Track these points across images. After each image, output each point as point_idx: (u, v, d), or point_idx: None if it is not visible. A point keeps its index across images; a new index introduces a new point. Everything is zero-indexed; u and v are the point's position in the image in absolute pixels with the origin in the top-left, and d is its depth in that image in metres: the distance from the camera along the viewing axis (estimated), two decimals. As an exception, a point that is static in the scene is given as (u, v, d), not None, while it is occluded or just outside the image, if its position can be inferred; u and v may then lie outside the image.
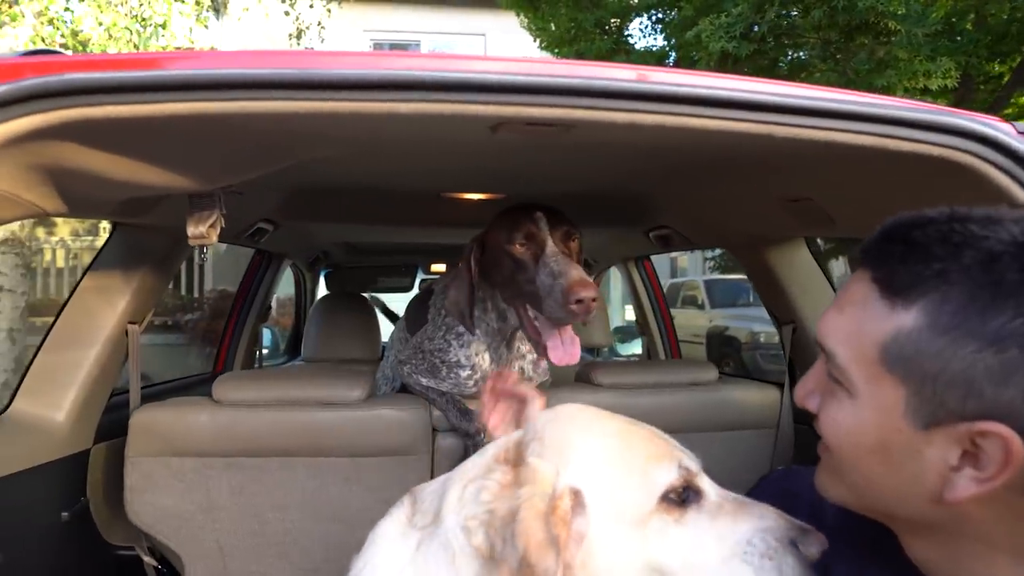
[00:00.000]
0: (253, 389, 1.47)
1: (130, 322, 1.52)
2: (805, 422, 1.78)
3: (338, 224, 2.33)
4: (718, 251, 13.16)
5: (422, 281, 3.95)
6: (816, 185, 1.24)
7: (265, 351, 3.65)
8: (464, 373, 1.58)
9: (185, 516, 1.47)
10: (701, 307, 10.43)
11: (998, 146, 0.78)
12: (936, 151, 0.79)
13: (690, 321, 10.16)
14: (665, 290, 3.09)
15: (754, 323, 8.61)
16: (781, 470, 0.99)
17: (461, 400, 1.56)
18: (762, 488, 0.95)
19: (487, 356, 1.59)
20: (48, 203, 0.88)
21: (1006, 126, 0.82)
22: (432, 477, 1.56)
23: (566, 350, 1.35)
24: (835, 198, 1.23)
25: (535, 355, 1.63)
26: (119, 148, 0.80)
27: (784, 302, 1.75)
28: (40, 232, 8.69)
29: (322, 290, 3.83)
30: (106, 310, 1.47)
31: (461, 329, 1.57)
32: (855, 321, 0.63)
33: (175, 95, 0.67)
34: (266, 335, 3.77)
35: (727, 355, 8.89)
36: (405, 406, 1.52)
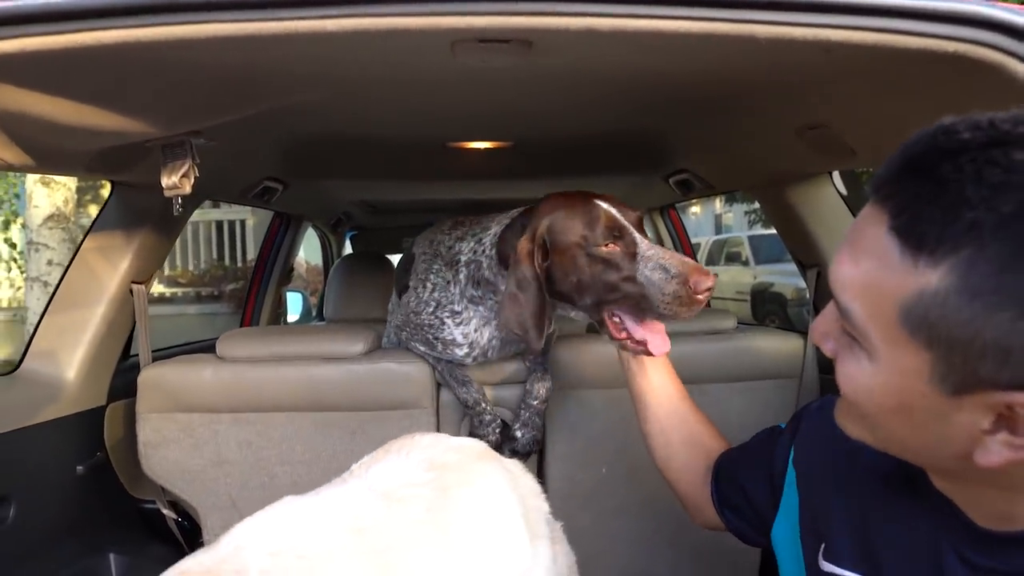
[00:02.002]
0: (255, 345, 1.47)
1: (135, 281, 1.53)
2: (830, 372, 1.68)
3: (347, 180, 2.30)
4: (758, 204, 12.78)
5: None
6: (831, 110, 1.13)
7: (296, 316, 3.70)
8: (461, 351, 1.45)
9: (197, 470, 1.49)
10: (745, 264, 10.17)
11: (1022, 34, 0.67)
12: (951, 47, 0.69)
13: (735, 279, 9.93)
14: (708, 247, 2.98)
15: (800, 279, 8.28)
16: (824, 399, 0.91)
17: (459, 368, 1.50)
18: (806, 416, 0.90)
19: (487, 332, 1.45)
20: (8, 153, 0.86)
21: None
22: (438, 431, 1.55)
23: (662, 338, 1.16)
24: (852, 123, 1.13)
25: None
26: (54, 88, 0.77)
27: (808, 245, 1.65)
28: (91, 208, 9.01)
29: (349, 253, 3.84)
30: (109, 270, 1.48)
31: (457, 308, 1.43)
32: (872, 276, 0.54)
33: (83, 23, 0.63)
34: (298, 300, 3.82)
35: (772, 312, 8.67)
36: (407, 360, 1.49)
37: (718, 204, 18.23)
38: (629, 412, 1.56)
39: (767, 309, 8.84)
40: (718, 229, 17.56)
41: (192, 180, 1.05)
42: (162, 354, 1.71)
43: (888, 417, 0.58)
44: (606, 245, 1.17)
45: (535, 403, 1.46)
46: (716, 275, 1.13)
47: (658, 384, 1.12)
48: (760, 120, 1.34)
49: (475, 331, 1.45)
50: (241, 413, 1.47)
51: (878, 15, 0.68)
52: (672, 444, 1.08)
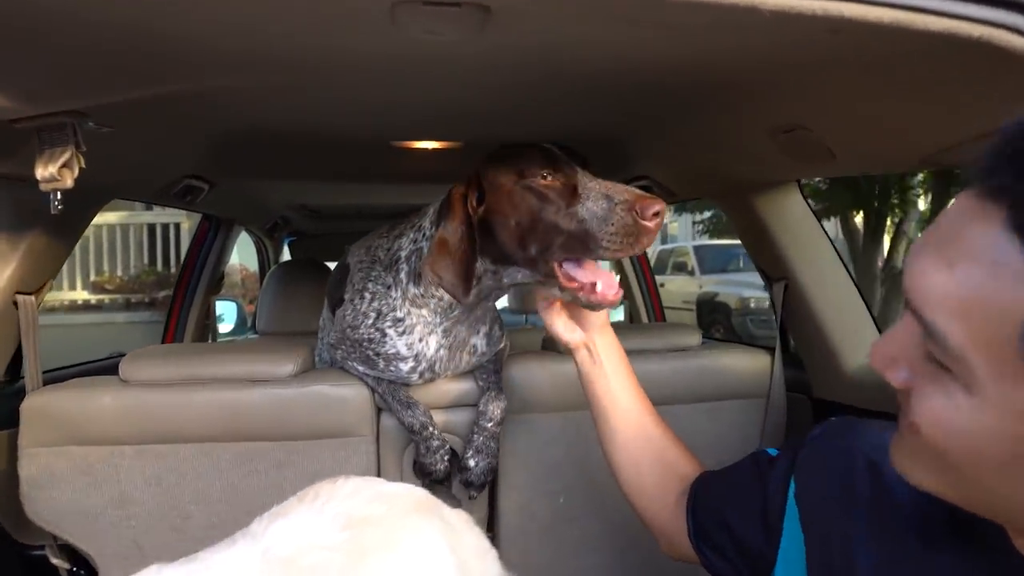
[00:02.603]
0: (165, 366, 1.28)
1: (20, 292, 1.31)
2: (800, 391, 1.61)
3: (282, 182, 2.11)
4: (707, 214, 13.02)
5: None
6: (811, 110, 1.04)
7: (229, 327, 3.45)
8: (406, 366, 1.30)
9: (95, 512, 1.29)
10: (691, 273, 10.32)
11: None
12: (976, 31, 0.59)
13: (680, 288, 10.06)
14: (655, 257, 2.92)
15: (744, 288, 8.51)
16: (827, 424, 0.79)
17: (403, 389, 1.34)
18: (809, 444, 0.77)
19: (434, 341, 1.30)
20: None
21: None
22: (378, 461, 1.39)
23: (612, 282, 1.06)
24: (835, 123, 1.04)
25: (487, 326, 1.41)
26: None
27: (775, 256, 1.56)
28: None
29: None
30: (-16, 279, 1.27)
31: (399, 314, 1.28)
32: (979, 288, 0.42)
33: None
34: (232, 309, 3.57)
35: (717, 321, 8.80)
36: (343, 382, 1.33)
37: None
38: (589, 436, 1.44)
39: (712, 318, 8.98)
40: (664, 239, 17.82)
41: (75, 172, 0.86)
42: (58, 375, 1.49)
43: (989, 470, 0.45)
44: (543, 178, 1.08)
45: (489, 425, 1.32)
46: (665, 207, 1.02)
47: (621, 393, 1.00)
48: (730, 121, 1.24)
49: (420, 340, 1.29)
50: (148, 445, 1.27)
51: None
52: (640, 466, 0.96)
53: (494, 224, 1.13)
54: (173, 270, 9.76)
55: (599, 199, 1.04)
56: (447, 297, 1.24)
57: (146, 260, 10.11)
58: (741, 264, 9.95)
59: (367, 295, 1.32)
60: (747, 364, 1.51)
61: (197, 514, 1.30)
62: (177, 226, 9.95)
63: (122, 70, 0.78)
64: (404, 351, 1.29)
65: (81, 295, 9.59)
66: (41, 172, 0.85)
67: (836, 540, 0.66)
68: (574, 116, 1.34)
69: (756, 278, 1.62)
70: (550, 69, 0.97)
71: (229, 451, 1.29)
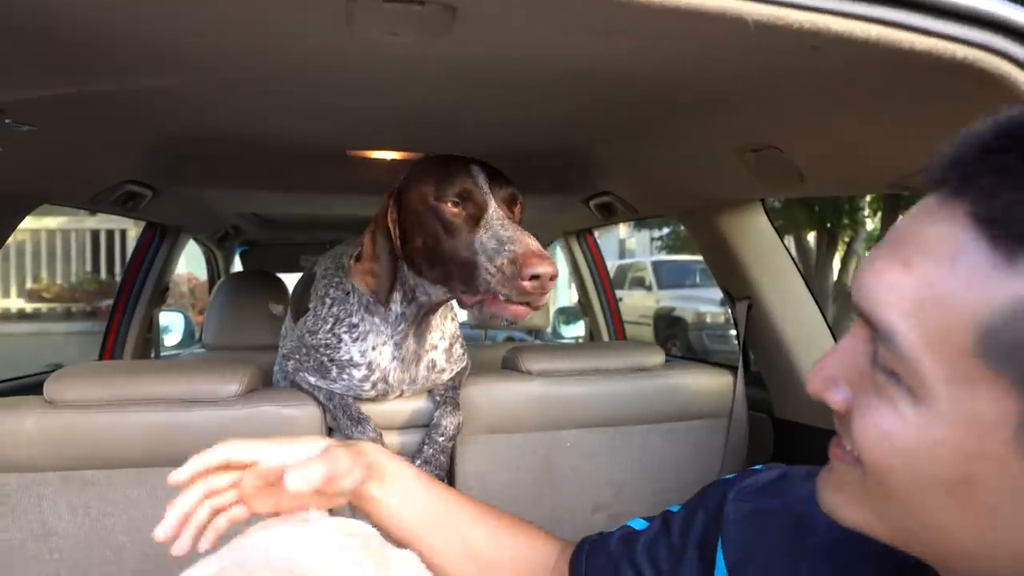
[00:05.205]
0: (94, 386, 1.18)
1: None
2: (762, 410, 1.60)
3: (232, 189, 2.02)
4: (666, 230, 13.23)
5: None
6: (782, 129, 1.03)
7: (176, 339, 3.30)
8: (359, 373, 1.28)
9: (11, 546, 1.17)
10: (648, 288, 10.45)
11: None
12: (960, 52, 0.57)
13: (638, 303, 10.18)
14: (613, 272, 2.92)
15: (701, 304, 8.66)
16: (733, 477, 0.73)
17: (355, 404, 1.30)
18: (708, 497, 0.72)
19: (387, 351, 1.28)
20: None
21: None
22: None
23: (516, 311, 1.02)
24: (807, 144, 1.02)
25: (447, 342, 1.37)
26: None
27: (739, 275, 1.55)
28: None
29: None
30: None
31: (355, 320, 1.28)
32: (935, 284, 0.38)
33: None
34: (179, 321, 3.41)
35: (674, 336, 8.93)
36: (293, 402, 1.26)
37: (623, 229, 18.75)
38: (548, 457, 1.41)
39: (669, 333, 9.10)
40: (622, 254, 18.02)
41: (-10, 175, 0.78)
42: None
43: (934, 497, 0.40)
44: (449, 203, 1.08)
45: (441, 440, 1.27)
46: (556, 273, 0.97)
47: (415, 510, 0.77)
48: (699, 138, 1.22)
49: (373, 348, 1.28)
50: (75, 471, 1.17)
51: (891, 4, 0.55)
52: (499, 573, 0.79)
53: (406, 237, 1.16)
54: (118, 278, 9.40)
55: (492, 239, 1.02)
56: (395, 307, 1.25)
57: (89, 268, 9.71)
58: (698, 280, 10.13)
59: (328, 300, 1.32)
60: (709, 383, 1.49)
61: (130, 546, 1.20)
62: (123, 232, 9.60)
63: (39, 65, 0.71)
64: (357, 357, 1.27)
65: (16, 303, 9.13)
66: (-48, 174, 0.76)
67: None
68: (537, 129, 1.30)
69: (713, 293, 1.60)
70: (515, 78, 0.93)
71: (166, 477, 1.20)
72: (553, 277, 0.96)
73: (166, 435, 1.18)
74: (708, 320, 8.58)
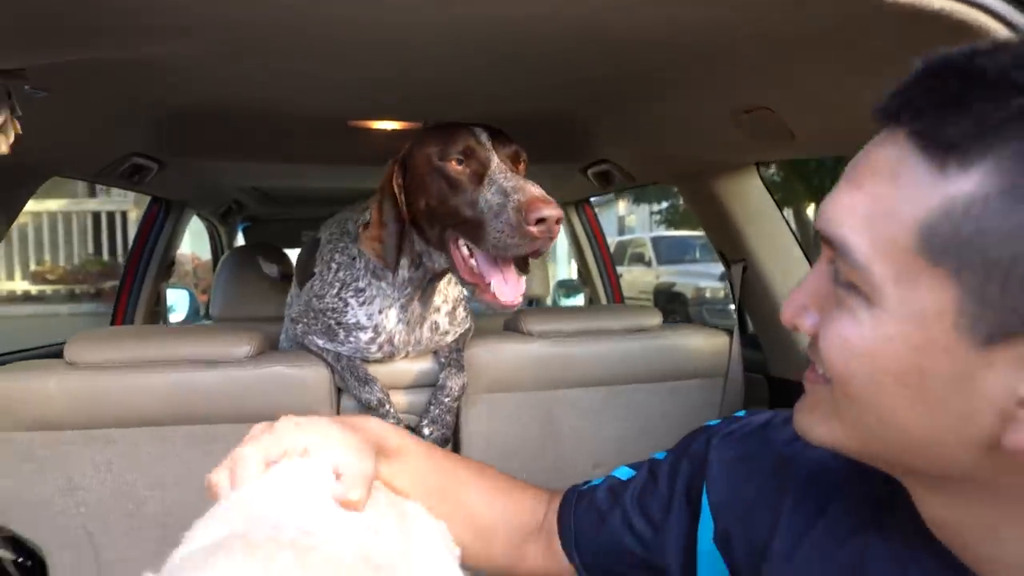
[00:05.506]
0: (112, 347, 1.23)
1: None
2: (756, 371, 1.64)
3: (236, 163, 2.05)
4: (665, 204, 13.20)
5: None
6: (772, 88, 1.06)
7: (181, 316, 3.34)
8: (365, 336, 1.32)
9: (40, 501, 1.23)
10: (648, 264, 10.47)
11: None
12: (937, 3, 0.61)
13: (637, 279, 10.21)
14: (612, 248, 2.95)
15: (701, 279, 8.69)
16: (716, 423, 0.76)
17: (362, 365, 1.34)
18: (692, 443, 0.76)
19: (393, 314, 1.33)
20: None
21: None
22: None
23: (512, 288, 1.10)
24: (796, 103, 1.06)
25: (450, 305, 1.42)
26: None
27: (734, 238, 1.59)
28: None
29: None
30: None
31: (361, 284, 1.32)
32: (882, 197, 0.43)
33: None
34: (184, 297, 3.46)
35: (674, 311, 8.97)
36: (303, 363, 1.30)
37: (622, 206, 18.73)
38: (550, 414, 1.46)
39: (668, 308, 9.14)
40: (621, 231, 18.03)
41: (10, 137, 0.82)
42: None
43: (889, 391, 0.44)
44: (453, 162, 1.12)
45: (447, 400, 1.32)
46: (561, 216, 1.02)
47: (416, 480, 0.78)
48: (692, 101, 1.25)
49: (379, 312, 1.32)
50: (97, 430, 1.22)
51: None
52: (495, 535, 0.82)
53: (411, 201, 1.19)
54: (120, 259, 9.42)
55: (499, 193, 1.05)
56: (402, 272, 1.28)
57: (91, 249, 9.74)
58: (697, 255, 10.15)
59: (334, 265, 1.35)
60: (705, 344, 1.54)
61: (151, 500, 1.26)
62: (124, 214, 9.61)
63: (58, 26, 0.74)
64: (364, 321, 1.32)
65: (20, 285, 9.18)
66: (-25, 137, 0.80)
67: (758, 530, 0.65)
68: (536, 96, 1.33)
69: (713, 268, 1.64)
70: (514, 44, 0.96)
71: (183, 434, 1.25)
72: (559, 220, 1.01)
73: (182, 394, 1.23)
74: (708, 295, 8.61)
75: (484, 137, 1.14)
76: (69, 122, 1.24)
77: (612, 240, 12.53)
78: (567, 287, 4.00)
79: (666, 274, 9.73)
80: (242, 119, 1.46)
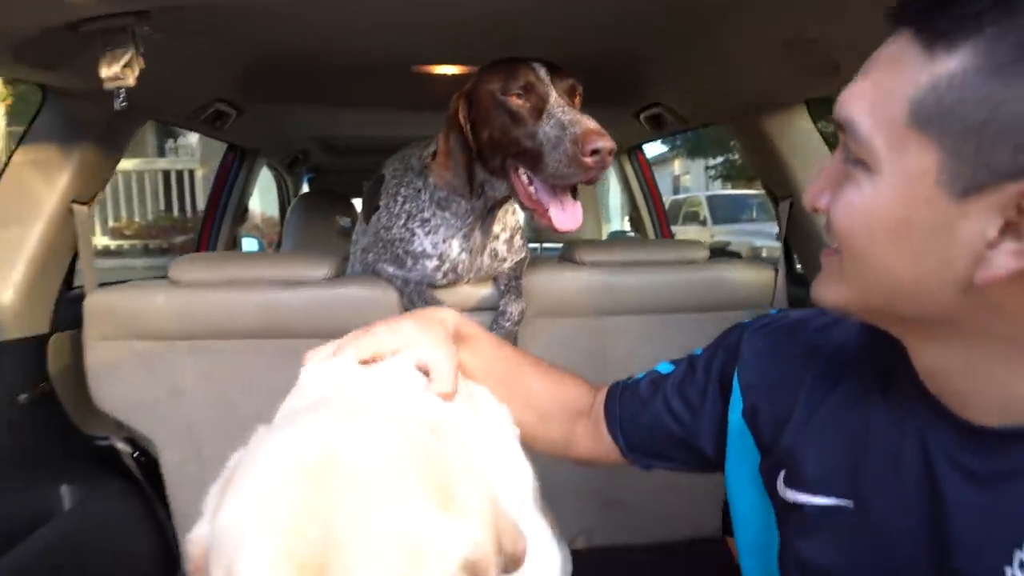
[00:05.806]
0: (210, 269, 1.38)
1: (75, 201, 1.42)
2: (800, 303, 1.69)
3: (304, 108, 2.18)
4: (720, 159, 12.84)
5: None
6: (817, 19, 1.10)
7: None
8: (431, 264, 1.43)
9: (152, 401, 1.42)
10: (703, 223, 10.31)
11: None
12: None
13: (691, 238, 10.03)
14: (667, 207, 2.97)
15: (756, 238, 8.52)
16: (749, 321, 0.84)
17: (429, 290, 1.45)
18: (727, 338, 0.84)
19: (456, 243, 1.43)
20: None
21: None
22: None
23: (569, 214, 1.20)
24: (841, 33, 1.09)
25: (508, 233, 1.52)
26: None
27: (782, 175, 1.63)
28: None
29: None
30: (44, 187, 1.37)
31: (427, 215, 1.42)
32: (883, 83, 0.52)
33: None
34: (254, 245, 3.68)
35: (727, 269, 8.81)
36: (374, 285, 1.44)
37: (677, 165, 18.38)
38: (605, 341, 1.55)
39: (723, 267, 8.98)
40: (676, 190, 17.71)
41: (136, 71, 0.94)
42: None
43: (883, 243, 0.53)
44: (515, 96, 1.19)
45: (507, 324, 1.43)
46: (613, 148, 1.11)
47: (484, 367, 0.88)
48: (740, 37, 1.29)
49: (443, 241, 1.42)
50: (198, 340, 1.39)
51: None
52: (551, 418, 0.93)
53: (476, 133, 1.26)
54: (189, 216, 9.88)
55: (557, 126, 1.13)
56: (464, 202, 1.37)
57: (162, 206, 10.23)
58: (754, 214, 9.93)
59: (399, 198, 1.44)
60: (751, 278, 1.59)
61: (245, 405, 1.42)
62: (191, 172, 10.04)
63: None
64: (430, 249, 1.42)
65: (101, 241, 9.77)
66: (105, 71, 0.93)
67: (781, 404, 0.73)
68: (591, 38, 1.39)
69: (769, 227, 1.66)
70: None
71: (271, 347, 1.40)
72: (611, 151, 1.10)
73: (270, 311, 1.38)
74: (764, 255, 8.45)
75: (543, 72, 1.21)
76: (166, 66, 1.37)
77: (667, 199, 12.35)
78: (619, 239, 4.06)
79: (721, 233, 9.57)
80: (314, 65, 1.57)
